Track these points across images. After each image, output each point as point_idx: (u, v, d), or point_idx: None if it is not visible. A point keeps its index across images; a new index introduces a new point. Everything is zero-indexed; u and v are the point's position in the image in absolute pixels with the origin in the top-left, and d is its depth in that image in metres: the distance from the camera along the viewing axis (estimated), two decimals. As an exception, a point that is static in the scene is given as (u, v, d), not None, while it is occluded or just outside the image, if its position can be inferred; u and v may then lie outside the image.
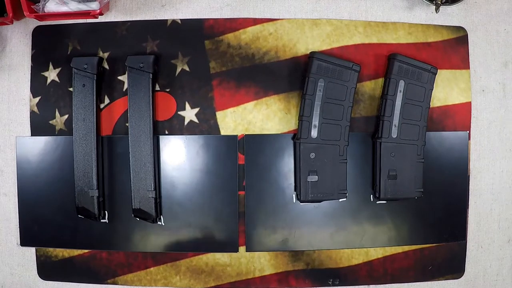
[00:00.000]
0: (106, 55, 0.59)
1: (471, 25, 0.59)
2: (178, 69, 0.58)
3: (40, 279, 0.60)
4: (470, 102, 0.59)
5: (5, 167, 0.60)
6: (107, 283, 0.60)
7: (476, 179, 0.60)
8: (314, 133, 0.56)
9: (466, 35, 0.59)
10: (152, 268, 0.60)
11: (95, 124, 0.56)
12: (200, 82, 0.58)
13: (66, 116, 0.59)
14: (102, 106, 0.59)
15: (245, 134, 0.58)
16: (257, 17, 0.59)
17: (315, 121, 0.55)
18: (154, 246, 0.59)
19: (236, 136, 0.58)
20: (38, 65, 0.59)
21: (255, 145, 0.58)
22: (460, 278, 0.61)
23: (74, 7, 0.53)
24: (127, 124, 0.57)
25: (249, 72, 0.58)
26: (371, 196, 0.59)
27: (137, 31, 0.59)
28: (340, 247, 0.59)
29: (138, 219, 0.57)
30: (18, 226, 0.60)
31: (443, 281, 0.60)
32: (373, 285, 0.60)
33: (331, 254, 0.60)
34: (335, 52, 0.58)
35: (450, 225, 0.60)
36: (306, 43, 0.58)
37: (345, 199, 0.57)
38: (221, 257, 0.59)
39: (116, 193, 0.59)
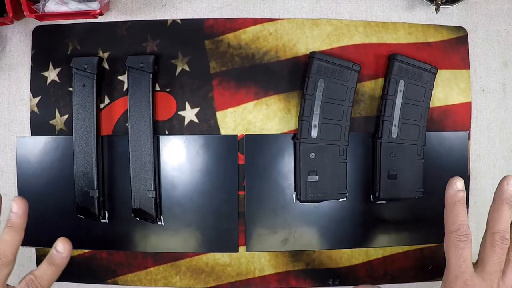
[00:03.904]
0: (106, 55, 0.59)
1: (471, 25, 0.59)
2: (178, 69, 0.58)
3: (40, 279, 0.60)
4: (470, 102, 0.59)
5: (5, 167, 0.60)
6: (107, 283, 0.60)
7: (476, 179, 0.60)
8: (314, 133, 0.56)
9: (466, 35, 0.59)
10: (152, 268, 0.60)
11: (95, 124, 0.56)
12: (200, 82, 0.58)
13: (66, 116, 0.59)
14: (102, 106, 0.59)
15: (245, 134, 0.58)
16: (257, 17, 0.59)
17: (315, 121, 0.56)
18: (154, 246, 0.59)
19: (236, 136, 0.58)
20: (38, 65, 0.59)
21: (255, 145, 0.58)
22: (460, 278, 0.60)
23: (74, 7, 0.54)
24: (127, 124, 0.57)
25: (249, 72, 0.58)
26: (371, 196, 0.59)
27: (137, 31, 0.59)
28: (340, 247, 0.59)
29: (138, 219, 0.57)
30: (18, 226, 0.60)
31: (443, 281, 0.60)
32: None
33: (331, 254, 0.60)
34: (335, 52, 0.58)
35: (450, 225, 0.60)
36: (306, 43, 0.58)
37: (345, 199, 0.57)
38: (221, 257, 0.59)
39: (116, 193, 0.59)
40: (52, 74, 0.59)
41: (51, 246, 0.59)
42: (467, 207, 0.60)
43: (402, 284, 0.60)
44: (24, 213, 0.44)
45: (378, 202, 0.58)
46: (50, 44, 0.59)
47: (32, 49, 0.59)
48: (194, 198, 0.58)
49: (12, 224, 0.43)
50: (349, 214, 0.59)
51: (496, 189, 0.44)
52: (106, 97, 0.59)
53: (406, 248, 0.60)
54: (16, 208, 0.44)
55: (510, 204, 0.43)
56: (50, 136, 0.59)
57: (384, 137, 0.56)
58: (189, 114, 0.59)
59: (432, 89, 0.57)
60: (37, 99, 0.59)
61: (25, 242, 0.59)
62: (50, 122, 0.59)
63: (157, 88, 0.59)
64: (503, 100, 0.60)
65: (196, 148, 0.58)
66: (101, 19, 0.58)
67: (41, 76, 0.59)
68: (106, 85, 0.59)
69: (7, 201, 0.60)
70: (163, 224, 0.58)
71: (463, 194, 0.43)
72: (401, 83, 0.56)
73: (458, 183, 0.43)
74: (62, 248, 0.44)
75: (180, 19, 0.59)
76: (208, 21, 0.58)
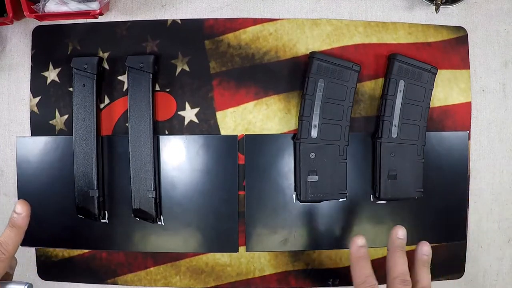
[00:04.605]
0: (106, 55, 0.59)
1: (471, 25, 0.59)
2: (178, 69, 0.58)
3: (40, 279, 0.60)
4: (470, 102, 0.59)
5: (5, 167, 0.60)
6: (107, 283, 0.60)
7: (476, 179, 0.60)
8: (314, 133, 0.56)
9: (466, 35, 0.59)
10: (152, 268, 0.60)
11: (95, 124, 0.56)
12: (200, 82, 0.58)
13: (66, 116, 0.59)
14: (102, 106, 0.59)
15: (245, 134, 0.58)
16: (257, 17, 0.59)
17: (315, 121, 0.56)
18: (154, 246, 0.59)
19: (236, 136, 0.58)
20: (38, 65, 0.59)
21: (255, 145, 0.58)
22: (460, 278, 0.61)
23: (74, 7, 0.54)
24: (127, 124, 0.57)
25: (249, 72, 0.58)
26: (371, 196, 0.59)
27: (137, 31, 0.59)
28: (340, 247, 0.59)
29: (138, 219, 0.57)
30: (18, 226, 0.60)
31: (443, 281, 0.60)
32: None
33: (331, 254, 0.60)
34: (335, 52, 0.58)
35: (450, 225, 0.60)
36: (306, 43, 0.58)
37: (345, 199, 0.57)
38: (221, 257, 0.59)
39: (116, 193, 0.59)
40: (52, 74, 0.59)
41: (51, 246, 0.60)
42: (467, 207, 0.60)
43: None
44: (27, 215, 0.45)
45: (378, 202, 0.58)
46: (50, 44, 0.59)
47: (32, 49, 0.59)
48: (194, 198, 0.58)
49: (15, 224, 0.44)
50: (349, 214, 0.59)
51: (388, 240, 0.48)
52: (106, 97, 0.59)
53: (406, 248, 0.60)
54: (20, 210, 0.45)
55: (402, 250, 0.46)
56: (50, 136, 0.59)
57: (384, 137, 0.56)
58: (189, 114, 0.59)
59: (432, 89, 0.57)
60: (37, 99, 0.59)
61: (25, 242, 0.59)
62: (50, 122, 0.59)
63: (157, 88, 0.59)
64: (503, 100, 0.60)
65: (196, 148, 0.58)
66: (101, 19, 0.58)
67: (41, 76, 0.59)
68: (106, 85, 0.59)
69: (8, 201, 0.60)
70: (163, 224, 0.58)
71: (365, 249, 0.47)
72: (401, 83, 0.56)
73: (359, 241, 0.47)
74: (20, 209, 0.45)
75: (180, 19, 0.59)
76: (208, 21, 0.58)
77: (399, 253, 0.46)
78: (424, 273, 0.46)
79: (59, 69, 0.59)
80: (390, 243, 0.47)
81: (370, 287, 0.44)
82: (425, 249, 0.47)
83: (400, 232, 0.47)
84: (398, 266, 0.45)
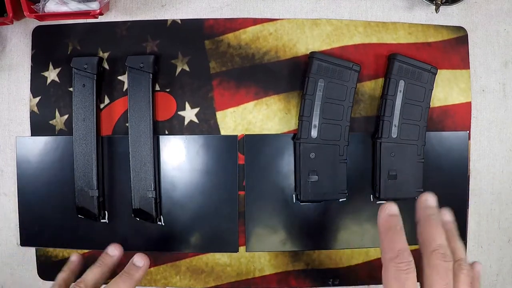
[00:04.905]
0: (106, 55, 0.59)
1: (471, 25, 0.59)
2: (178, 69, 0.58)
3: (40, 279, 0.60)
4: (470, 102, 0.59)
5: (5, 167, 0.60)
6: (107, 283, 0.60)
7: (476, 179, 0.60)
8: (314, 133, 0.56)
9: (466, 35, 0.59)
10: (152, 268, 0.60)
11: (95, 124, 0.56)
12: (200, 82, 0.58)
13: (66, 116, 0.59)
14: (102, 106, 0.59)
15: (245, 134, 0.58)
16: (257, 17, 0.59)
17: (315, 121, 0.56)
18: (154, 246, 0.59)
19: (236, 136, 0.58)
20: (38, 65, 0.59)
21: (255, 145, 0.58)
22: (460, 278, 0.60)
23: (74, 7, 0.54)
24: (127, 124, 0.57)
25: (249, 72, 0.58)
26: (371, 196, 0.59)
27: (137, 31, 0.59)
28: (340, 247, 0.59)
29: (138, 219, 0.57)
30: (18, 226, 0.60)
31: (443, 281, 0.60)
32: (373, 285, 0.60)
33: (331, 254, 0.60)
34: (335, 52, 0.58)
35: (450, 225, 0.60)
36: (306, 43, 0.58)
37: (345, 199, 0.57)
38: (221, 257, 0.59)
39: (116, 193, 0.59)
40: (52, 74, 0.59)
41: (51, 246, 0.60)
42: (467, 207, 0.60)
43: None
44: (119, 258, 0.48)
45: (378, 202, 0.58)
46: (50, 44, 0.59)
47: (32, 49, 0.59)
48: (194, 198, 0.58)
49: (106, 265, 0.46)
50: (349, 214, 0.59)
51: (416, 209, 0.39)
52: (106, 97, 0.59)
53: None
54: (114, 253, 0.48)
55: (437, 220, 0.37)
56: (50, 136, 0.59)
57: (384, 137, 0.56)
58: (189, 114, 0.59)
59: (432, 89, 0.57)
60: (37, 99, 0.59)
61: (25, 242, 0.60)
62: (50, 122, 0.59)
63: (157, 88, 0.58)
64: (503, 100, 0.60)
65: (196, 148, 0.58)
66: (101, 19, 0.58)
67: (41, 76, 0.59)
68: (106, 85, 0.59)
69: (8, 201, 0.60)
70: (163, 224, 0.58)
71: (397, 219, 0.37)
72: (401, 83, 0.56)
73: (389, 208, 0.38)
74: (113, 252, 0.48)
75: (180, 19, 0.59)
76: (208, 21, 0.58)
77: (434, 221, 0.37)
78: (457, 244, 0.38)
79: (59, 69, 0.59)
80: (420, 211, 0.38)
81: (404, 265, 0.34)
82: (447, 216, 0.40)
83: (430, 199, 0.38)
84: (436, 236, 0.36)
